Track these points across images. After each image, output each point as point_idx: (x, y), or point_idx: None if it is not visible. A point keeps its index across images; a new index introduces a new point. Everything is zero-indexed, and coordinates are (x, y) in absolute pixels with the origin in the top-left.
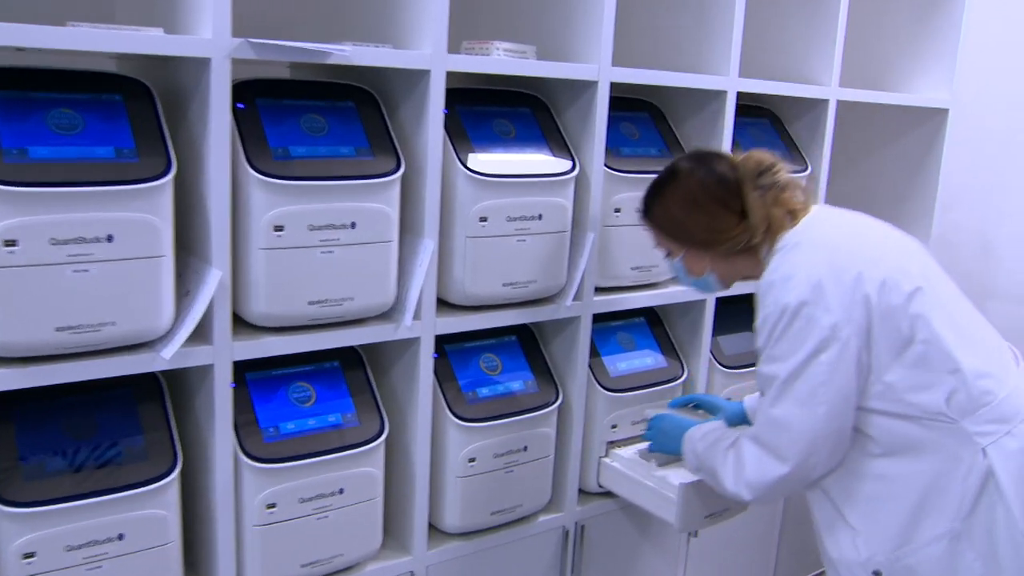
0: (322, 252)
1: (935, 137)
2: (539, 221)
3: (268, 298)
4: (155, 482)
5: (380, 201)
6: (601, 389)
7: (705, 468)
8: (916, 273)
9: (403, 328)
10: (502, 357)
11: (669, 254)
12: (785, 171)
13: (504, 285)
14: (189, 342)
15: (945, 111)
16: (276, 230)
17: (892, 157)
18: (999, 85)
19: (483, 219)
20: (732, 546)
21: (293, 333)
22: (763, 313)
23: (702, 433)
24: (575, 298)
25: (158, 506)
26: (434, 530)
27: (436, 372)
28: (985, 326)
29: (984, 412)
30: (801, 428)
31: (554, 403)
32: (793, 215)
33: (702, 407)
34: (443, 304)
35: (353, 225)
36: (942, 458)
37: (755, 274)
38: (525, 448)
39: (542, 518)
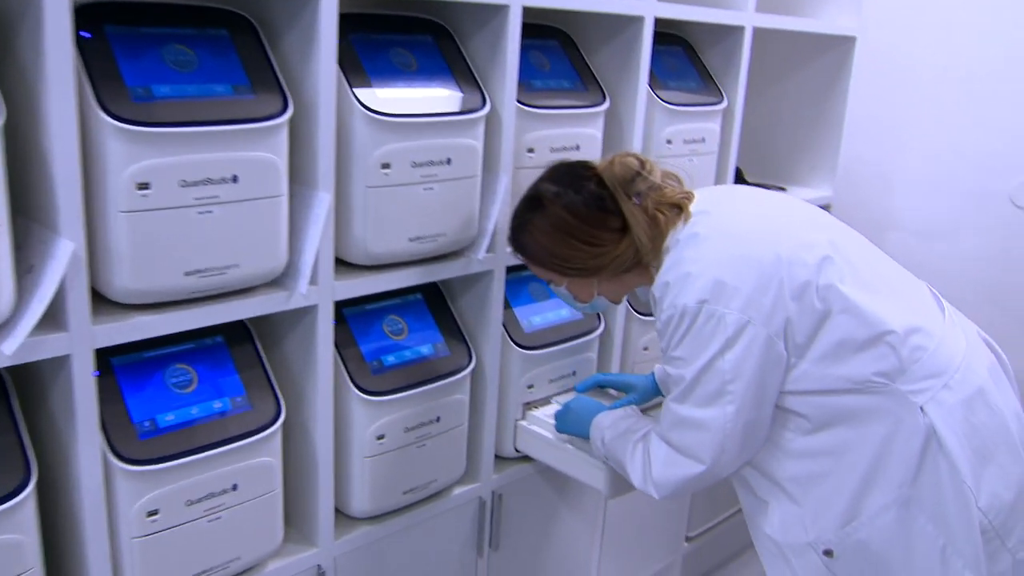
0: (199, 212)
1: (842, 66)
2: (448, 166)
3: (134, 270)
4: (4, 501)
5: (266, 149)
6: (516, 347)
7: (612, 459)
8: (820, 242)
9: (298, 296)
10: (407, 318)
11: (551, 282)
12: (657, 168)
13: (411, 240)
14: (38, 330)
15: (853, 39)
16: (140, 188)
17: (798, 87)
18: (904, 15)
19: (385, 166)
20: (648, 501)
21: (167, 310)
22: (663, 316)
23: (611, 421)
24: (488, 250)
25: (10, 529)
26: (341, 516)
27: (335, 341)
28: (901, 276)
29: (916, 369)
30: (711, 427)
31: (467, 367)
32: (680, 208)
33: (611, 387)
34: (341, 264)
35: (235, 179)
36: (880, 424)
37: (648, 282)
38: (438, 419)
39: (457, 491)
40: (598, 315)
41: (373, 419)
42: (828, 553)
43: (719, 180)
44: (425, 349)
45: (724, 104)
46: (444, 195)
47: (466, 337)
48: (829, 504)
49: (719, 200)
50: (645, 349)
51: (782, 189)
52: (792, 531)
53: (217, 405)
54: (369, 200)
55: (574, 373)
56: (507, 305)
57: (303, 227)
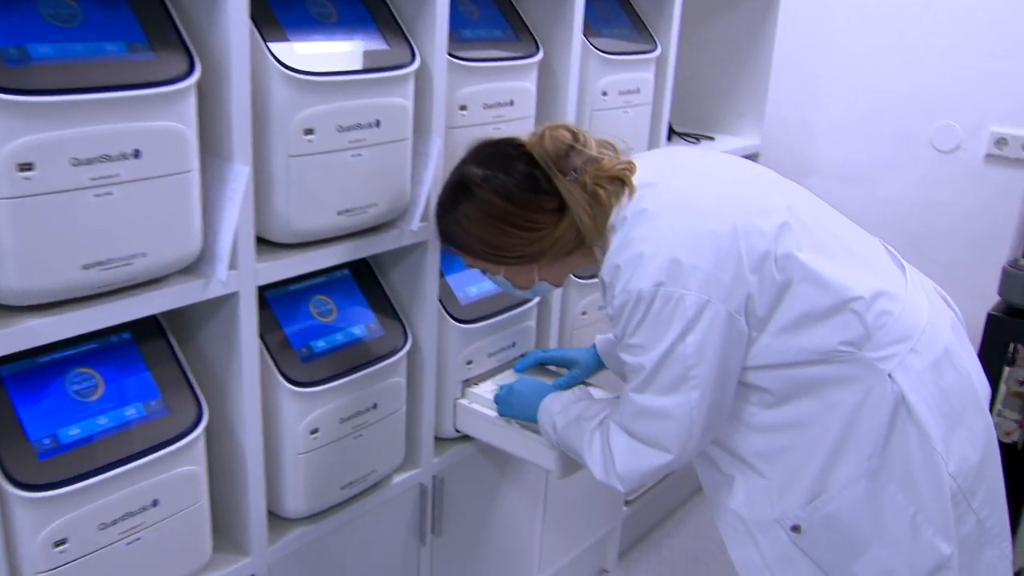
0: (95, 195)
1: (768, 9)
2: (376, 129)
3: (22, 268)
4: None
5: (171, 117)
6: (453, 322)
7: (566, 447)
8: (776, 208)
9: (216, 283)
10: (336, 298)
11: (486, 271)
12: (591, 138)
13: (339, 213)
14: None
15: None
16: (22, 170)
17: (724, 32)
18: None
19: (308, 132)
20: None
21: (65, 310)
22: (615, 302)
23: (561, 405)
24: (421, 219)
25: None
26: (275, 519)
27: (258, 329)
28: (858, 235)
29: (882, 335)
30: (675, 415)
31: (403, 347)
32: (622, 181)
33: (551, 364)
34: (262, 244)
35: (136, 154)
36: (847, 393)
37: (593, 262)
38: (375, 405)
39: (397, 479)
40: None
41: (305, 412)
42: (796, 529)
43: (653, 133)
44: (357, 330)
45: (658, 51)
46: (374, 161)
47: (400, 314)
48: (796, 478)
49: (664, 169)
50: (583, 314)
51: (710, 139)
52: (758, 506)
53: (129, 412)
54: (292, 171)
55: (513, 345)
56: (440, 275)
57: (219, 205)
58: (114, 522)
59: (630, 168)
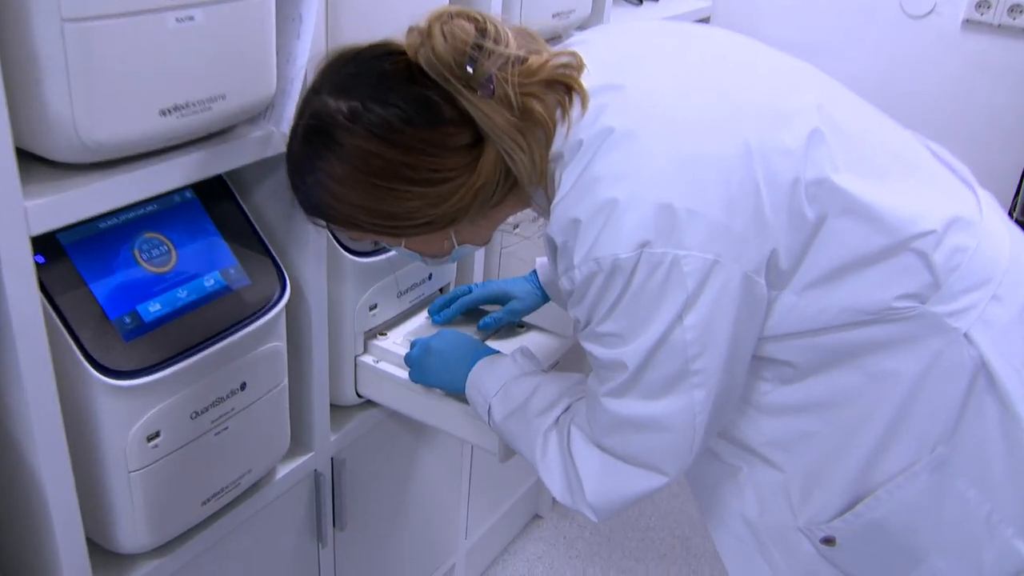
0: None
1: None
2: None
3: None
4: None
5: None
6: (348, 255)
7: (511, 446)
8: (803, 107)
9: None
10: (174, 235)
11: (380, 243)
12: (504, 27)
13: (164, 113)
14: None
15: None
16: None
17: None
18: None
19: None
20: None
21: None
22: (575, 274)
23: (496, 382)
24: None
25: None
26: (108, 557)
27: (50, 294)
28: (909, 142)
29: (955, 280)
30: (671, 426)
31: (280, 298)
32: (567, 85)
33: (482, 304)
34: (36, 165)
35: None
36: (905, 360)
37: (530, 206)
38: (243, 386)
39: (282, 471)
40: None
41: (136, 413)
42: (829, 541)
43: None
44: (210, 281)
45: None
46: (214, 31)
47: (272, 251)
48: (825, 473)
49: (629, 61)
50: (516, 228)
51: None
52: (774, 509)
53: None
54: (71, 46)
55: (430, 277)
56: None
57: None
58: None
59: (576, 64)
